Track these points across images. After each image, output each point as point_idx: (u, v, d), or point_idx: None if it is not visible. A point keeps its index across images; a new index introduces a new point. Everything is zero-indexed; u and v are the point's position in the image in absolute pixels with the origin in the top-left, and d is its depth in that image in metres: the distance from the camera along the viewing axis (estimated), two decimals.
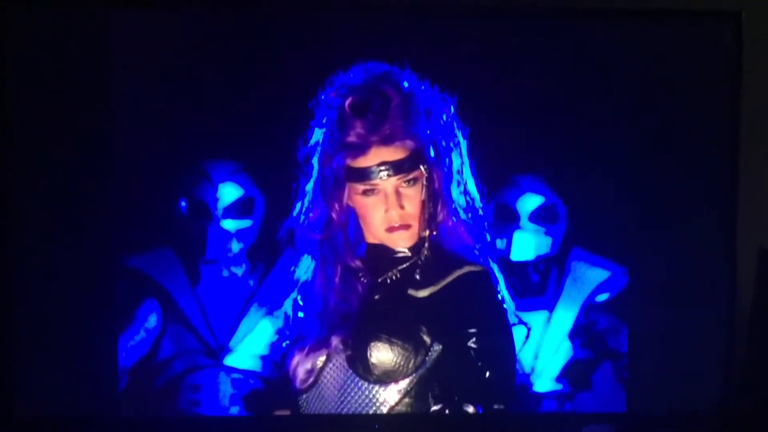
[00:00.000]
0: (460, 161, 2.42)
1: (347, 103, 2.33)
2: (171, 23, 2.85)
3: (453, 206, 2.40)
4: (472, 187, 2.44)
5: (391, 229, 2.37)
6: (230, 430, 2.92)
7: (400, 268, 2.40)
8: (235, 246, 3.08)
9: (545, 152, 2.94)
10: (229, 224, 3.07)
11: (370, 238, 2.43)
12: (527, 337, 2.46)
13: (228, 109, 2.88)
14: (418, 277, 2.38)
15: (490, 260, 2.45)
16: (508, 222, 3.06)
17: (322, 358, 2.39)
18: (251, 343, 3.00)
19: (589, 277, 3.05)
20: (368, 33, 2.75)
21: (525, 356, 3.03)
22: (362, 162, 2.32)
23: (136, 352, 2.95)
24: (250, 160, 2.97)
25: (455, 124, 2.43)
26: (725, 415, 2.90)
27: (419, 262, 2.38)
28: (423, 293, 2.36)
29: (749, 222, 2.92)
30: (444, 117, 2.41)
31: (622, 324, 3.00)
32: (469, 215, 2.43)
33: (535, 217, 3.06)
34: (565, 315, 3.07)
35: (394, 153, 2.32)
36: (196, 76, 2.85)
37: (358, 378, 2.36)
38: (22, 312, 2.84)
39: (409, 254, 2.40)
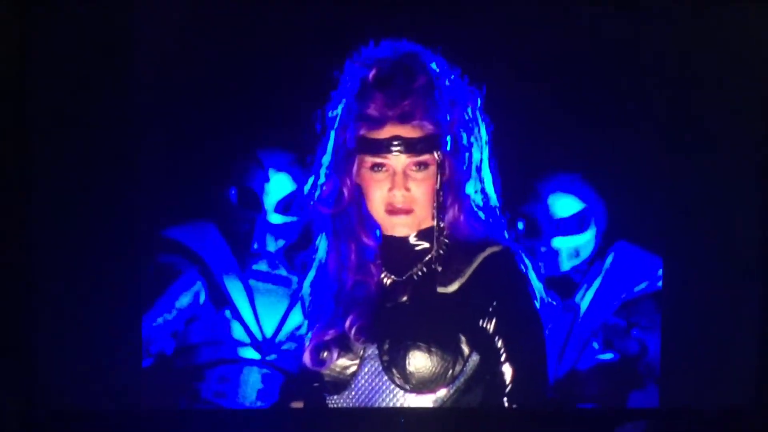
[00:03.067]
0: (479, 157, 2.36)
1: (371, 74, 2.28)
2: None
3: (467, 202, 2.34)
4: (489, 185, 2.38)
5: (391, 211, 2.30)
6: (252, 422, 2.88)
7: (424, 260, 2.34)
8: (276, 243, 3.05)
9: (579, 149, 2.93)
10: (276, 218, 3.03)
11: (383, 228, 2.37)
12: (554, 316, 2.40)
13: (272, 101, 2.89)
14: (440, 268, 2.32)
15: (512, 238, 2.39)
16: (539, 233, 3.03)
17: (356, 362, 2.33)
18: (295, 344, 2.97)
19: (626, 273, 3.01)
20: (405, 14, 2.71)
21: (552, 356, 3.00)
22: (376, 134, 2.27)
23: (165, 331, 2.93)
24: (303, 150, 2.95)
25: (480, 119, 2.37)
26: (761, 410, 2.85)
27: (441, 253, 2.32)
28: (452, 287, 2.31)
29: None
30: (469, 110, 2.35)
31: (654, 318, 2.96)
32: (485, 213, 2.37)
33: (567, 227, 3.02)
34: (596, 313, 3.03)
35: (409, 131, 2.27)
36: (243, 59, 2.87)
37: (393, 386, 2.30)
38: (44, 300, 2.85)
39: (428, 246, 2.35)
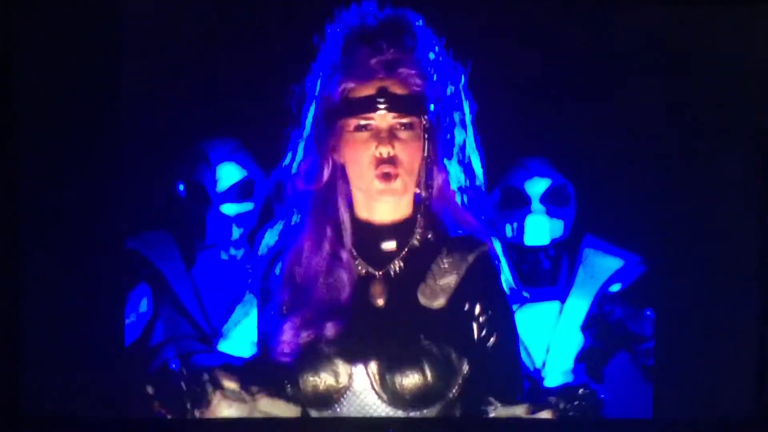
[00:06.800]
0: (463, 136, 2.30)
1: (357, 26, 2.23)
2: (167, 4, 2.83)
3: (449, 179, 2.28)
4: (476, 163, 2.32)
5: (381, 176, 2.20)
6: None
7: (401, 255, 2.26)
8: (235, 231, 3.00)
9: (557, 134, 2.91)
10: (229, 208, 2.98)
11: (360, 210, 2.28)
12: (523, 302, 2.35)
13: (225, 85, 2.85)
14: (399, 267, 2.26)
15: (492, 237, 2.34)
16: (519, 206, 2.98)
17: (344, 380, 2.23)
18: (246, 329, 2.89)
19: (602, 266, 2.96)
20: None
21: (536, 350, 2.93)
22: (361, 91, 2.20)
23: (129, 336, 2.88)
24: (250, 136, 2.93)
25: (463, 97, 2.31)
26: (759, 421, 2.76)
27: (419, 244, 2.27)
28: (438, 302, 2.23)
29: None
30: (452, 87, 2.29)
31: (641, 317, 2.89)
32: (467, 194, 2.31)
33: (546, 198, 2.97)
34: (578, 305, 2.96)
35: (396, 85, 2.20)
36: (192, 54, 2.83)
37: (383, 404, 2.22)
38: (24, 308, 2.77)
39: (407, 236, 2.28)
